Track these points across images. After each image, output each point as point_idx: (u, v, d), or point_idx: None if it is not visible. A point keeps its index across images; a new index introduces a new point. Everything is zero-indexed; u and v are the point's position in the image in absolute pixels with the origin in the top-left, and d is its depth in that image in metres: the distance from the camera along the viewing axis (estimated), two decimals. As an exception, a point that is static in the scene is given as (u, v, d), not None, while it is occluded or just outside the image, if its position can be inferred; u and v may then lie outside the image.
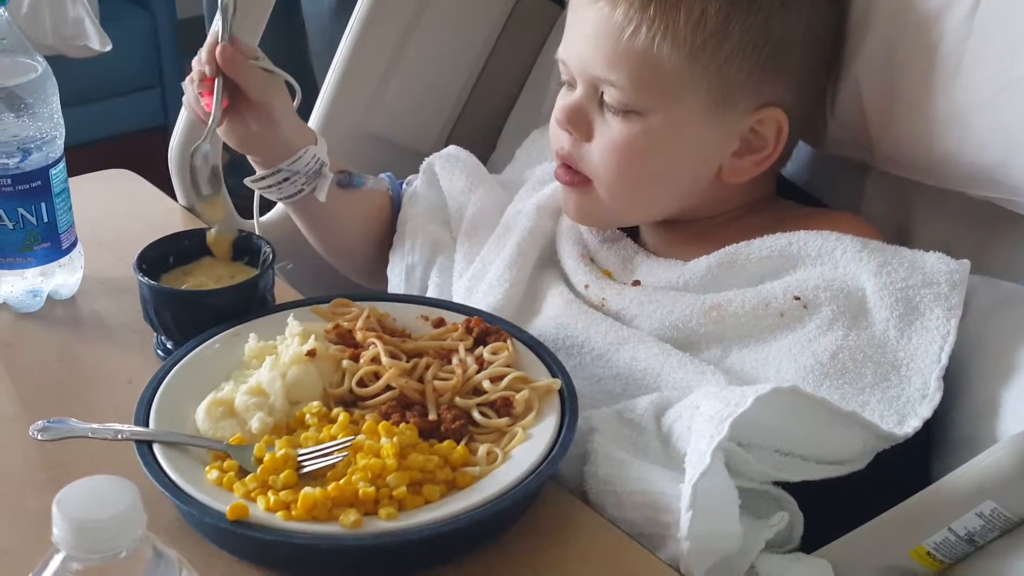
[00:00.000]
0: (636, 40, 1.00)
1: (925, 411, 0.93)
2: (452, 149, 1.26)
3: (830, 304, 0.98)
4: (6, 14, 1.04)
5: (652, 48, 1.00)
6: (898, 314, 0.97)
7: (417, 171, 1.29)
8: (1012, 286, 1.01)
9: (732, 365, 1.00)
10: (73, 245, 1.13)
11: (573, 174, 1.08)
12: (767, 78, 1.03)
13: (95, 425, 0.90)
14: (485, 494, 0.84)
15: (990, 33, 0.97)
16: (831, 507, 0.90)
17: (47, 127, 1.06)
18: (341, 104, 1.36)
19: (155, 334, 1.07)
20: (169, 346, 1.05)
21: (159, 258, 1.06)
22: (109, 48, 2.35)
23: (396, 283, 1.18)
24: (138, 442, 0.88)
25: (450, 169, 1.23)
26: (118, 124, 2.31)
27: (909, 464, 0.94)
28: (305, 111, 1.22)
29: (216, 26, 1.06)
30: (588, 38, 1.04)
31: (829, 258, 1.01)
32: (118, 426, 0.90)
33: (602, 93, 1.04)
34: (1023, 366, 0.95)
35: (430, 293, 1.15)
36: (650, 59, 1.01)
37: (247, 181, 1.13)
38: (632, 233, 1.14)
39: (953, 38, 0.99)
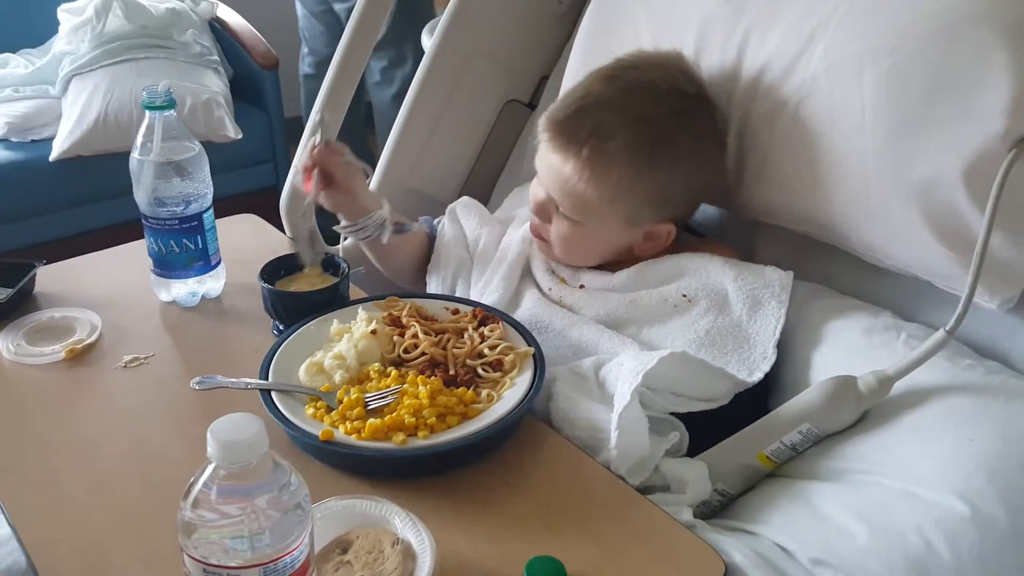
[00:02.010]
0: (577, 186, 0.99)
1: (765, 367, 0.93)
2: (466, 199, 1.24)
3: (705, 300, 0.98)
4: (174, 114, 1.02)
5: (586, 192, 0.99)
6: (748, 306, 0.97)
7: (442, 213, 1.29)
8: (817, 286, 1.01)
9: (643, 339, 0.99)
10: (219, 263, 1.12)
11: (540, 236, 1.08)
12: (662, 210, 1.02)
13: (233, 379, 0.89)
14: (487, 421, 0.84)
15: (806, 126, 0.96)
16: (705, 429, 0.90)
17: (201, 187, 1.05)
18: (393, 169, 1.35)
19: (272, 320, 1.05)
20: (280, 328, 1.03)
21: (274, 270, 1.05)
22: (240, 136, 2.33)
23: (433, 289, 1.16)
24: (261, 390, 0.87)
25: (467, 213, 1.22)
26: (245, 184, 2.29)
27: (755, 401, 0.94)
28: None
29: (312, 126, 1.05)
30: (548, 173, 1.02)
31: (704, 270, 1.00)
32: (248, 380, 0.89)
33: (555, 205, 1.03)
34: (825, 337, 0.95)
35: (457, 292, 1.14)
36: (585, 198, 1.00)
37: (335, 228, 1.11)
38: None
39: (783, 128, 0.98)
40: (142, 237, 1.09)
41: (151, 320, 1.08)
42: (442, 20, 1.33)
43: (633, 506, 0.81)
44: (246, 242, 1.25)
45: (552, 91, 1.40)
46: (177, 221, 1.04)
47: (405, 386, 0.87)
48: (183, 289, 1.09)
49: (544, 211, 1.05)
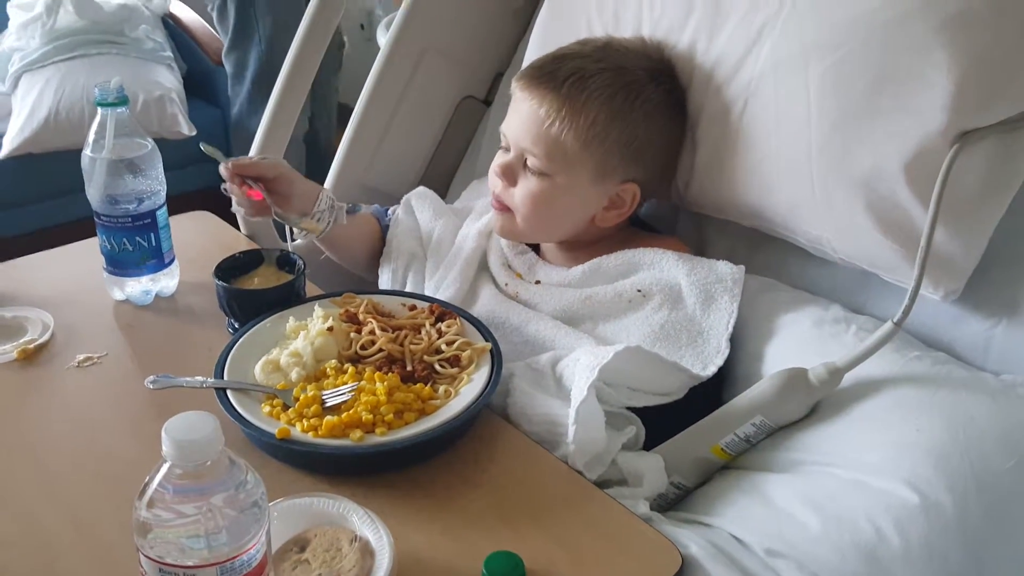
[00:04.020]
0: (551, 129, 0.99)
1: (719, 360, 0.93)
2: (421, 189, 1.23)
3: (659, 295, 0.98)
4: (127, 111, 0.99)
5: (560, 136, 0.99)
6: (701, 300, 0.97)
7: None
8: (768, 280, 1.02)
9: (599, 334, 0.99)
10: (172, 260, 1.09)
11: (502, 205, 1.06)
12: (631, 165, 1.02)
13: (187, 378, 0.87)
14: (444, 417, 0.83)
15: (753, 123, 0.97)
16: (661, 423, 0.90)
17: (154, 184, 1.03)
18: (348, 166, 1.33)
19: (227, 318, 1.03)
20: (236, 326, 1.01)
21: (229, 268, 1.03)
22: (194, 133, 2.29)
23: (384, 281, 1.14)
24: (217, 389, 0.86)
25: (421, 204, 1.20)
26: (199, 182, 2.24)
27: (709, 394, 0.94)
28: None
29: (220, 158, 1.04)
30: (522, 122, 1.02)
31: (658, 265, 1.00)
32: (202, 378, 0.87)
33: (526, 159, 1.02)
34: (776, 330, 0.96)
35: (408, 286, 1.12)
36: (558, 141, 0.99)
37: (294, 239, 1.12)
38: (535, 248, 1.12)
39: (732, 123, 0.99)
40: (94, 235, 1.06)
41: (104, 319, 1.06)
42: (397, 16, 1.32)
43: (590, 500, 0.81)
44: (200, 240, 1.23)
45: (507, 88, 1.39)
46: (130, 219, 1.01)
47: (362, 383, 0.86)
48: (136, 287, 1.06)
49: (510, 172, 1.03)
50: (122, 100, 0.98)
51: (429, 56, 1.33)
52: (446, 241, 1.15)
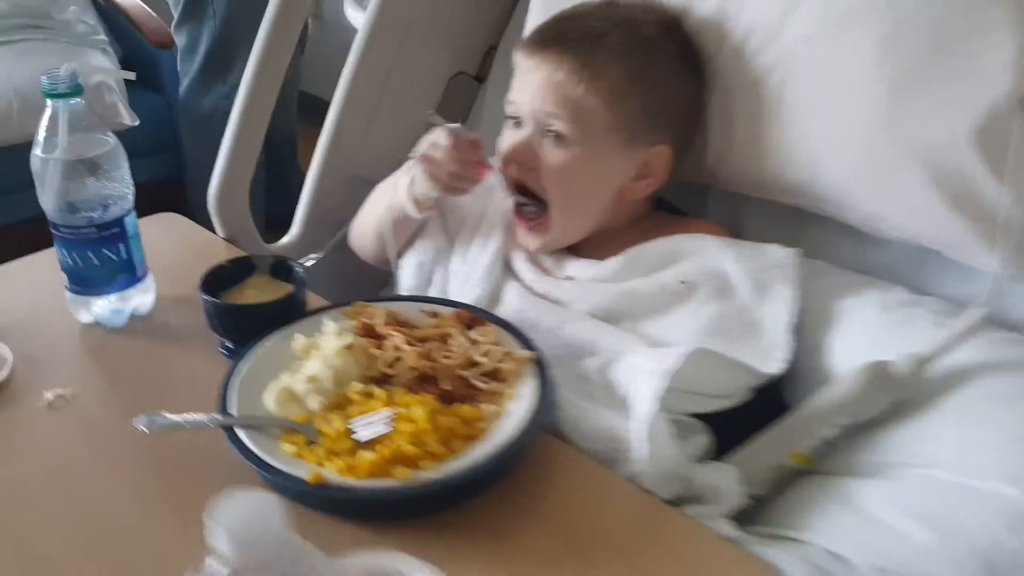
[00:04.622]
0: (575, 91, 0.89)
1: (782, 355, 0.84)
2: None
3: (706, 285, 0.88)
4: (82, 101, 0.84)
5: (584, 97, 0.89)
6: (753, 289, 0.88)
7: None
8: (818, 262, 0.93)
9: (642, 332, 0.89)
10: (146, 274, 0.95)
11: (532, 214, 0.95)
12: (659, 126, 0.93)
13: (187, 415, 0.74)
14: (497, 442, 0.72)
15: (799, 91, 0.89)
16: (720, 429, 0.81)
17: (121, 186, 0.88)
18: (333, 155, 1.20)
19: (218, 338, 0.89)
20: (229, 346, 0.88)
21: (216, 280, 0.89)
22: (137, 123, 2.10)
23: (408, 273, 1.02)
24: (225, 428, 0.73)
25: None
26: (144, 175, 2.06)
27: (767, 393, 0.85)
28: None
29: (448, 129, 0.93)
30: (538, 90, 0.92)
31: (701, 253, 0.91)
32: (205, 415, 0.74)
33: (545, 129, 0.92)
34: (838, 318, 0.87)
35: (434, 283, 1.00)
36: (582, 104, 0.90)
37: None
38: None
39: (773, 94, 0.91)
40: (38, 244, 0.92)
41: (71, 346, 0.91)
42: None
43: (667, 521, 0.71)
44: (172, 246, 1.08)
45: (504, 61, 1.27)
46: (95, 228, 0.87)
47: (397, 409, 0.74)
48: (106, 307, 0.92)
49: (528, 152, 0.93)
50: (75, 90, 0.84)
51: (415, 29, 1.20)
52: (468, 225, 1.02)
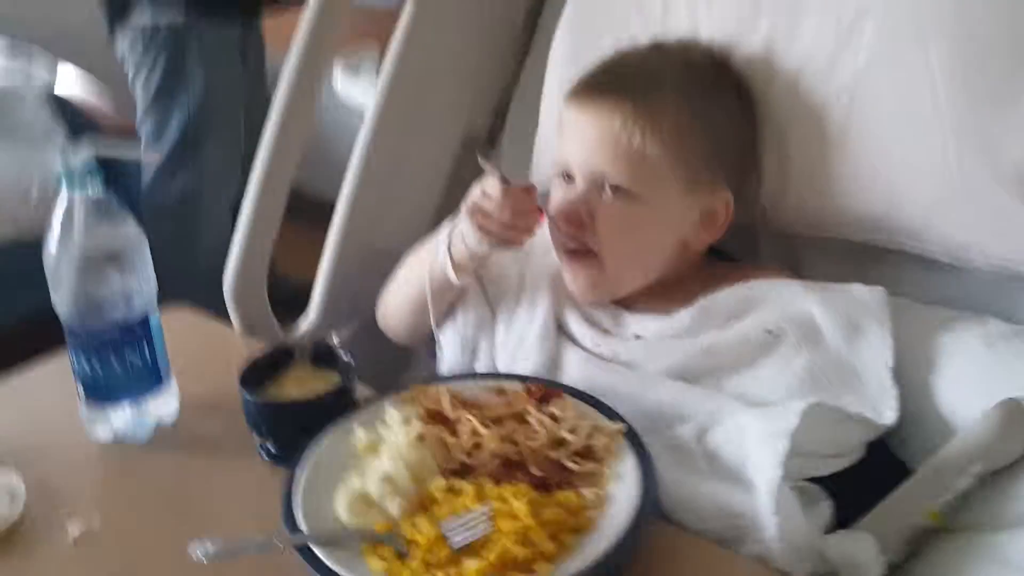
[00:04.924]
0: (632, 141, 0.84)
1: (893, 403, 0.77)
2: None
3: (793, 333, 0.82)
4: (100, 189, 0.76)
5: (644, 148, 0.83)
6: (845, 333, 0.81)
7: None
8: (903, 300, 0.86)
9: (728, 391, 0.81)
10: (170, 377, 0.85)
11: (583, 250, 0.88)
12: (719, 170, 0.87)
13: (252, 539, 0.64)
14: (611, 533, 0.63)
15: (866, 120, 0.85)
16: (838, 491, 0.73)
17: (145, 281, 0.80)
18: (351, 226, 1.12)
19: (258, 440, 0.80)
20: (272, 450, 0.78)
21: (254, 376, 0.80)
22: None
23: (452, 351, 0.93)
24: (299, 548, 0.63)
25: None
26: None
27: (875, 447, 0.77)
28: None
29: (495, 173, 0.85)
30: (591, 142, 0.86)
31: (779, 298, 0.84)
32: (273, 536, 0.64)
33: (602, 183, 0.85)
34: (938, 355, 0.80)
35: (479, 358, 0.92)
36: (641, 154, 0.84)
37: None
38: None
39: (836, 124, 0.86)
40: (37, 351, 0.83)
41: (92, 469, 0.81)
42: (392, 47, 1.12)
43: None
44: (186, 344, 0.97)
45: (514, 125, 1.22)
46: (118, 330, 0.78)
47: (492, 504, 0.65)
48: (129, 419, 0.82)
49: (585, 207, 0.86)
50: (93, 176, 0.75)
51: (428, 94, 1.14)
52: (510, 291, 0.95)
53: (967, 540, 0.70)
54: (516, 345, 0.89)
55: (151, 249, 0.81)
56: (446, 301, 0.95)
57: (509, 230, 0.84)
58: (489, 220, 0.84)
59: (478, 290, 0.96)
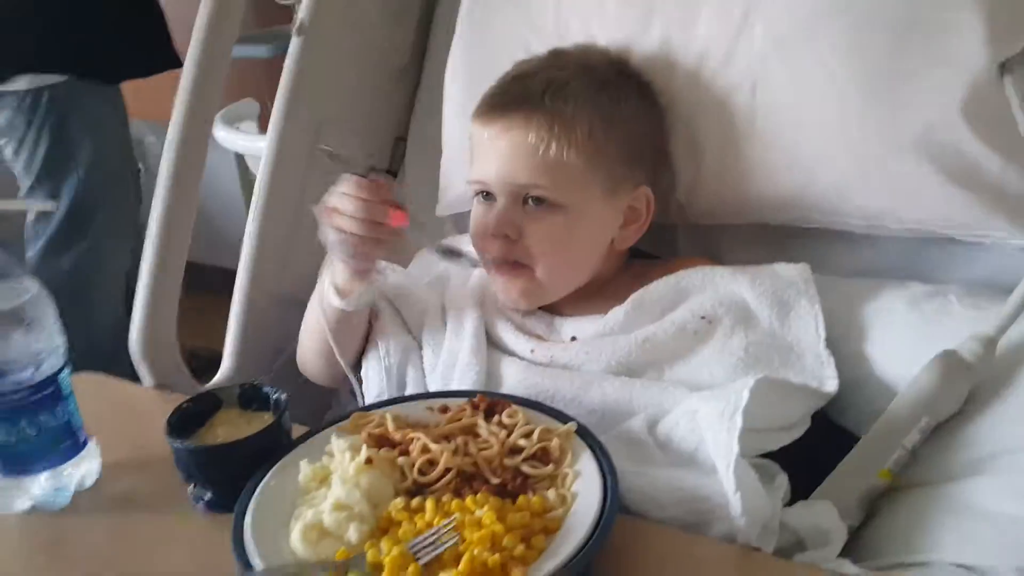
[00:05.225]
0: (549, 153, 0.84)
1: (832, 371, 0.80)
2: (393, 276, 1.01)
3: (727, 316, 0.84)
4: (-7, 243, 0.72)
5: (562, 157, 0.85)
6: (776, 312, 0.84)
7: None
8: (825, 276, 0.89)
9: (672, 381, 0.82)
10: (87, 438, 0.80)
11: (514, 265, 0.87)
12: (635, 169, 0.90)
13: (207, 584, 0.60)
14: (581, 531, 0.62)
15: (770, 106, 0.89)
16: (788, 464, 0.75)
17: (52, 338, 0.75)
18: (257, 277, 1.09)
19: (193, 491, 0.76)
20: (209, 496, 0.74)
21: (180, 423, 0.76)
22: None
23: (375, 382, 0.91)
24: (258, 586, 0.60)
25: (405, 297, 0.98)
26: None
27: (817, 418, 0.80)
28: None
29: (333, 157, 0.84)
30: (508, 159, 0.86)
31: (711, 284, 0.87)
32: (229, 578, 0.61)
33: (525, 197, 0.86)
34: (868, 324, 0.85)
35: (410, 386, 0.90)
36: (562, 164, 0.85)
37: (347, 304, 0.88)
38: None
39: (742, 112, 0.90)
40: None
41: (11, 545, 0.74)
42: (280, 92, 1.11)
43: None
44: (94, 407, 0.92)
45: (415, 151, 1.22)
46: (27, 392, 0.73)
47: (456, 516, 0.63)
48: (48, 486, 0.76)
49: (510, 224, 0.87)
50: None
51: (326, 127, 1.13)
52: (431, 315, 0.94)
53: (921, 494, 0.73)
54: (448, 365, 0.88)
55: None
56: (353, 336, 0.93)
57: (364, 227, 0.81)
58: (344, 219, 0.82)
59: (397, 320, 0.95)
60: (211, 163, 1.02)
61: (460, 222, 1.13)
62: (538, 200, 0.86)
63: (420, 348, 0.93)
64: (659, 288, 0.87)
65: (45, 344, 0.74)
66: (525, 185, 0.86)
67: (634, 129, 0.89)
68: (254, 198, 1.11)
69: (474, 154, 0.91)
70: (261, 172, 1.11)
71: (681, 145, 0.94)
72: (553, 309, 0.93)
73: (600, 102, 0.87)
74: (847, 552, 0.73)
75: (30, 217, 1.93)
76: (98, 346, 1.39)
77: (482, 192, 0.90)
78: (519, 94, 0.88)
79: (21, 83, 1.79)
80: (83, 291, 1.92)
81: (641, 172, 0.90)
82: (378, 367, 0.92)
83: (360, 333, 0.94)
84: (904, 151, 0.82)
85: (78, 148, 1.85)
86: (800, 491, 0.74)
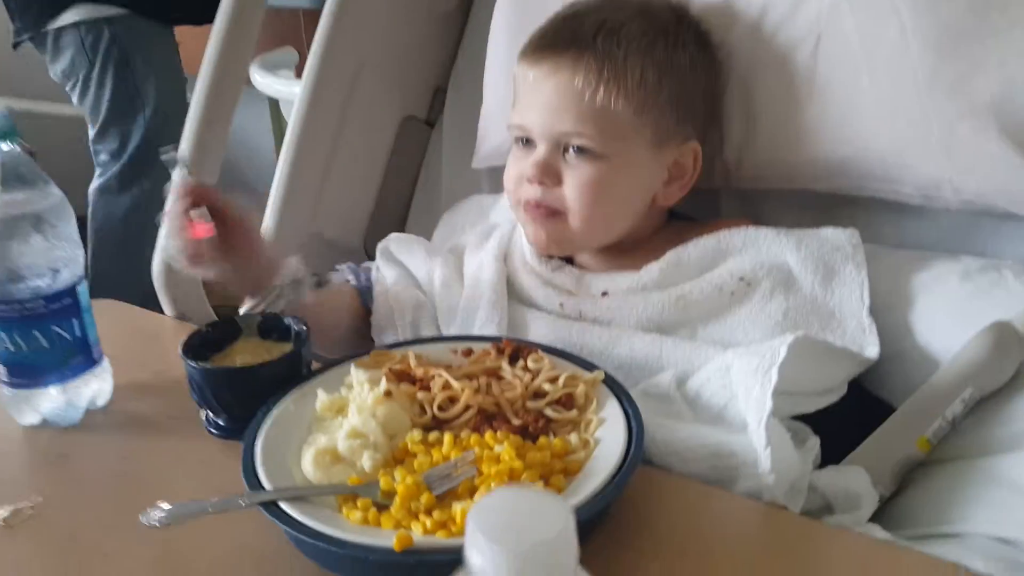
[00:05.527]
0: (596, 100, 0.82)
1: (874, 338, 0.77)
2: (397, 235, 1.01)
3: (767, 279, 0.82)
4: (19, 147, 0.71)
5: (609, 105, 0.82)
6: (820, 276, 0.82)
7: (351, 257, 1.05)
8: (873, 246, 0.86)
9: (703, 341, 0.80)
10: (102, 356, 0.79)
11: (548, 210, 0.85)
12: (685, 123, 0.87)
13: (214, 499, 0.59)
14: (601, 475, 0.60)
15: (832, 61, 0.85)
16: (820, 430, 0.72)
17: (71, 247, 0.74)
18: (289, 214, 1.09)
19: (204, 415, 0.75)
20: (221, 422, 0.74)
21: (196, 349, 0.75)
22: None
23: (390, 340, 0.90)
24: (266, 506, 0.58)
25: (406, 247, 0.99)
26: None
27: (852, 387, 0.77)
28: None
29: (176, 175, 0.79)
30: (551, 103, 0.84)
31: (753, 246, 0.84)
32: (237, 496, 0.59)
33: (566, 145, 0.83)
34: (915, 295, 0.81)
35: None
36: (608, 113, 0.83)
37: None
38: (567, 260, 0.92)
39: (803, 69, 0.87)
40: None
41: (18, 457, 0.75)
42: (318, 34, 1.09)
43: (823, 539, 0.62)
44: (114, 333, 0.92)
45: (455, 103, 1.20)
46: (43, 300, 0.72)
47: (475, 450, 0.61)
48: (59, 401, 0.76)
49: (549, 171, 0.85)
50: (9, 131, 0.70)
51: (364, 74, 1.12)
52: (453, 280, 0.92)
53: (959, 468, 0.70)
54: (466, 320, 0.88)
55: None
56: (334, 317, 0.92)
57: (171, 229, 0.78)
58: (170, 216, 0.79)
59: (409, 280, 0.95)
60: (244, 122, 1.02)
61: (494, 177, 1.12)
62: (580, 149, 0.84)
63: (434, 308, 0.91)
64: (698, 247, 0.85)
65: (64, 252, 0.73)
66: (567, 132, 0.83)
67: (688, 80, 0.86)
68: (287, 135, 1.10)
69: (516, 97, 0.89)
70: (295, 110, 1.10)
71: (735, 103, 0.92)
72: (584, 265, 0.92)
73: (655, 48, 0.84)
74: (876, 522, 0.71)
75: (103, 156, 1.97)
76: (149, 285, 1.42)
77: (522, 139, 0.88)
78: (569, 34, 0.86)
79: (78, 12, 1.80)
80: (134, 234, 1.94)
81: (691, 127, 0.88)
82: (388, 331, 0.91)
83: (318, 327, 0.93)
84: (972, 115, 0.79)
85: (143, 89, 1.88)
86: (830, 461, 0.72)
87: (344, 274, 0.99)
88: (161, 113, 1.90)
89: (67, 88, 1.95)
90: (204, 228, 0.77)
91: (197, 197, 0.78)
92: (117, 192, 1.95)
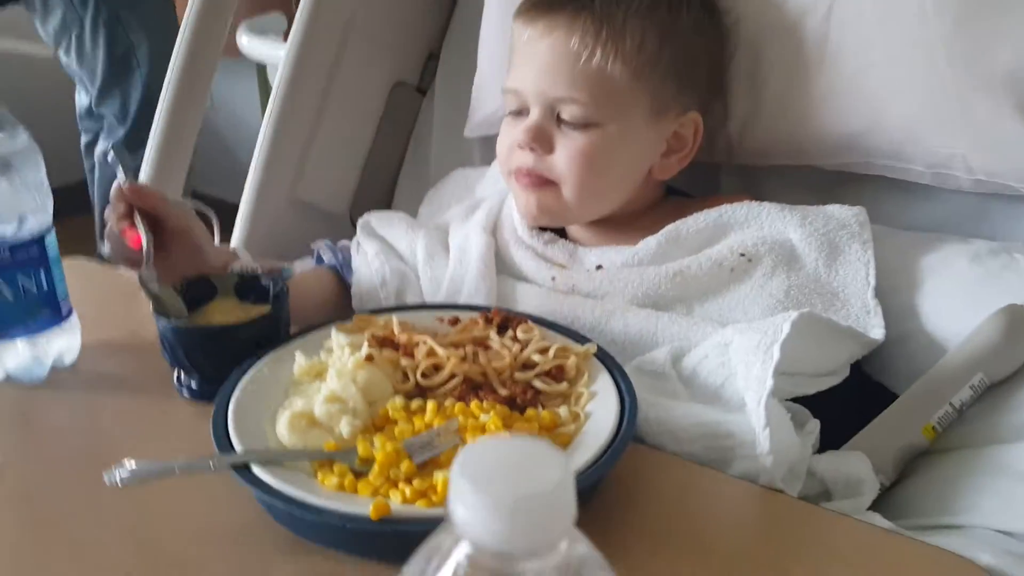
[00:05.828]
0: (592, 63, 0.80)
1: (879, 320, 0.75)
2: (377, 212, 0.98)
3: (769, 256, 0.79)
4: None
5: (605, 68, 0.80)
6: (824, 255, 0.79)
7: (335, 228, 1.02)
8: (881, 226, 0.84)
9: (701, 317, 0.78)
10: (71, 311, 0.76)
11: (540, 180, 0.83)
12: (687, 92, 0.85)
13: (182, 460, 0.56)
14: (593, 448, 0.58)
15: (844, 29, 0.83)
16: (820, 414, 0.70)
17: (39, 195, 0.71)
18: (270, 180, 1.06)
19: (176, 377, 0.72)
20: (194, 385, 0.71)
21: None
22: None
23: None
24: (236, 468, 0.56)
25: (387, 221, 0.96)
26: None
27: (856, 371, 0.75)
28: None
29: (119, 176, 0.77)
30: (545, 66, 0.82)
31: (755, 221, 0.82)
32: (206, 458, 0.57)
33: (559, 113, 0.81)
34: (923, 277, 0.79)
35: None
36: (604, 78, 0.80)
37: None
38: (560, 234, 0.90)
39: (813, 37, 0.84)
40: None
41: (-22, 410, 0.71)
42: (304, 4, 1.06)
43: (822, 525, 0.60)
44: (87, 293, 0.89)
45: (447, 70, 1.17)
46: (7, 249, 0.69)
47: (459, 419, 0.59)
48: (24, 356, 0.73)
49: (543, 136, 0.82)
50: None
51: (353, 35, 1.09)
52: (438, 252, 0.90)
53: (963, 456, 0.68)
54: (452, 292, 0.85)
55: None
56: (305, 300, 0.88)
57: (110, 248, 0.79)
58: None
59: (391, 251, 0.92)
60: (232, 100, 1.00)
61: (486, 147, 1.09)
62: (575, 115, 0.81)
63: (418, 280, 0.89)
64: (698, 220, 0.82)
65: (31, 201, 0.70)
66: (560, 98, 0.81)
67: (692, 47, 0.84)
68: (271, 98, 1.07)
69: (512, 59, 0.87)
70: (280, 72, 1.07)
71: (741, 73, 0.89)
72: (577, 239, 0.89)
73: (657, 11, 0.82)
74: (876, 510, 0.69)
75: (109, 119, 1.94)
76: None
77: (515, 110, 0.85)
78: None
79: None
80: None
81: (693, 96, 0.85)
82: (373, 296, 0.88)
83: (320, 297, 0.91)
84: (989, 89, 0.76)
85: (136, 45, 1.85)
86: (828, 448, 0.70)
87: (326, 250, 0.95)
88: (157, 70, 1.87)
89: (60, 51, 1.92)
90: (135, 237, 0.76)
91: (134, 203, 0.76)
92: (129, 151, 1.93)
